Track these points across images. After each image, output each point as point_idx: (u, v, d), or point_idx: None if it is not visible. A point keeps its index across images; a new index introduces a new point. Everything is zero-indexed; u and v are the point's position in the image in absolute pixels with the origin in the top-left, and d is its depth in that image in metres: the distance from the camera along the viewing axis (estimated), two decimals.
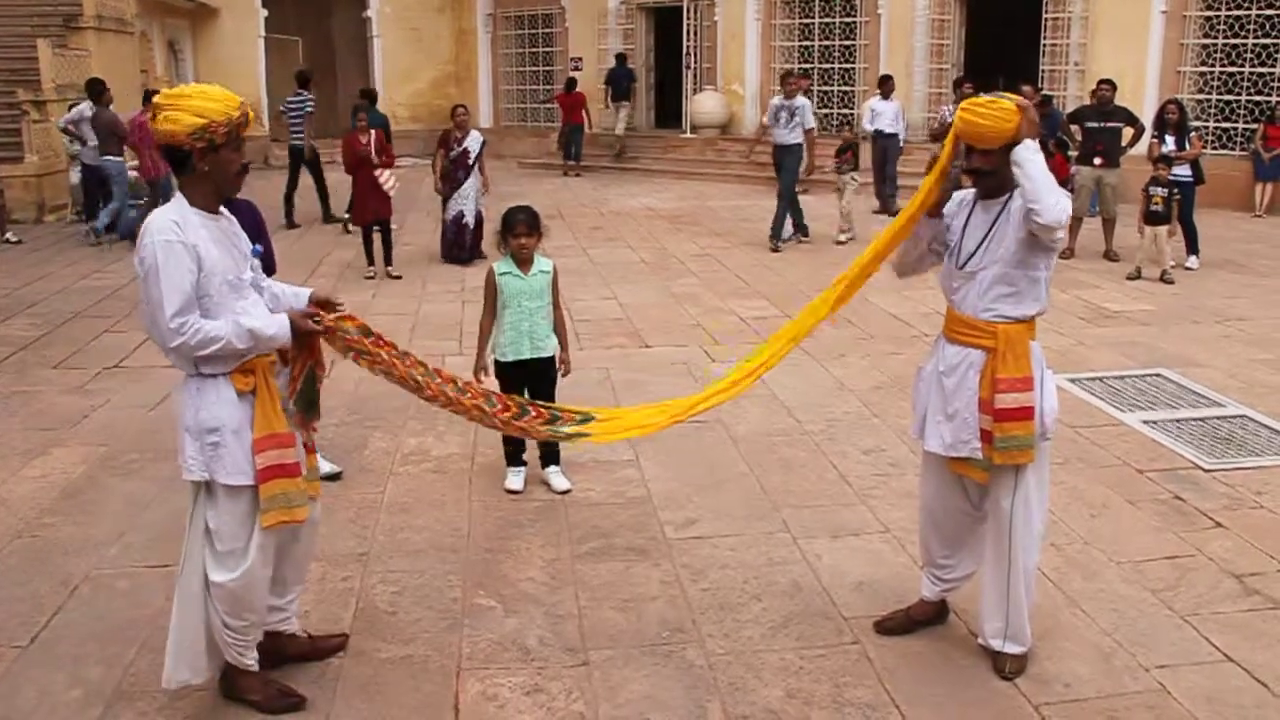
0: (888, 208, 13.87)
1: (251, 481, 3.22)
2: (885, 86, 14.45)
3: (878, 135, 14.05)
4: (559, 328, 5.23)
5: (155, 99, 3.19)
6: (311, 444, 3.51)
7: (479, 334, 5.24)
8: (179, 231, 3.08)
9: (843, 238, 12.25)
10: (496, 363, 5.14)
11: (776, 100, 12.34)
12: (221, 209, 3.31)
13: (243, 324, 3.14)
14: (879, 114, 14.06)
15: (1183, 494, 5.13)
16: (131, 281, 10.15)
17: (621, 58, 20.54)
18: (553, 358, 5.19)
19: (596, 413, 3.83)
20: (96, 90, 12.73)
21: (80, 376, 7.19)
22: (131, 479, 5.39)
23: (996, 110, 3.34)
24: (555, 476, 5.26)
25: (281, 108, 14.91)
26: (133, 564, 4.47)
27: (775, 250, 11.82)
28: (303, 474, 3.35)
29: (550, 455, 5.31)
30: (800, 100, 11.97)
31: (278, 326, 3.23)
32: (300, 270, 10.60)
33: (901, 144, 14.45)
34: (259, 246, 3.55)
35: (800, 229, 12.41)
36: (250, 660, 3.45)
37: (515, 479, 5.23)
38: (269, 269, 5.26)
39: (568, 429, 3.73)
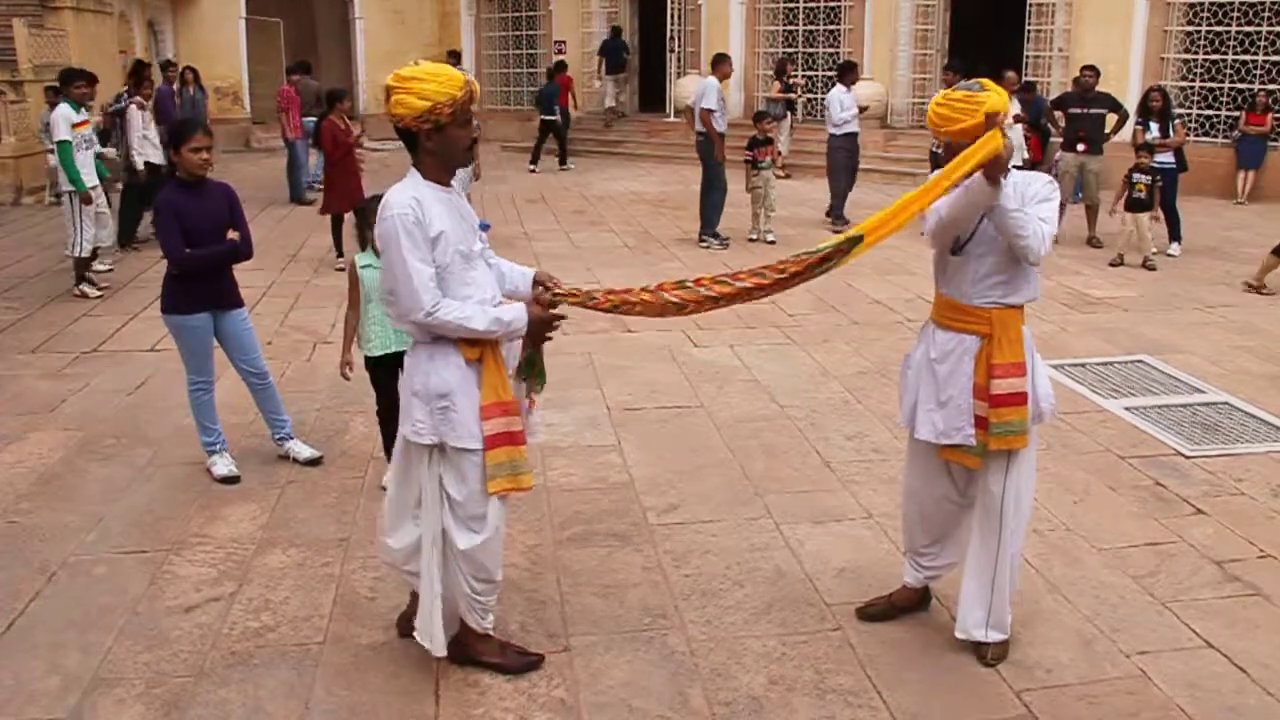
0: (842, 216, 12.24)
1: (481, 445, 3.28)
2: (849, 76, 12.34)
3: (835, 135, 12.04)
4: None
5: (389, 82, 3.25)
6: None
7: (344, 328, 5.03)
8: (417, 209, 3.19)
9: (771, 237, 11.22)
10: (365, 358, 4.88)
11: (719, 84, 10.84)
12: (452, 183, 3.40)
13: (490, 311, 3.25)
14: (845, 106, 11.95)
15: (1164, 481, 5.15)
16: (112, 264, 10.05)
17: (617, 30, 20.49)
18: None
19: (861, 229, 3.39)
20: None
21: (58, 360, 7.11)
22: (109, 464, 5.34)
23: (963, 104, 3.27)
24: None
25: None
26: (111, 550, 4.43)
27: (725, 247, 10.91)
28: (527, 442, 3.41)
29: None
30: None
31: (515, 313, 3.31)
32: (276, 258, 10.52)
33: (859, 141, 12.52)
34: (487, 220, 3.55)
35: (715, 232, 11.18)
36: (489, 623, 3.54)
37: None
38: (245, 255, 5.21)
39: (833, 248, 3.34)
